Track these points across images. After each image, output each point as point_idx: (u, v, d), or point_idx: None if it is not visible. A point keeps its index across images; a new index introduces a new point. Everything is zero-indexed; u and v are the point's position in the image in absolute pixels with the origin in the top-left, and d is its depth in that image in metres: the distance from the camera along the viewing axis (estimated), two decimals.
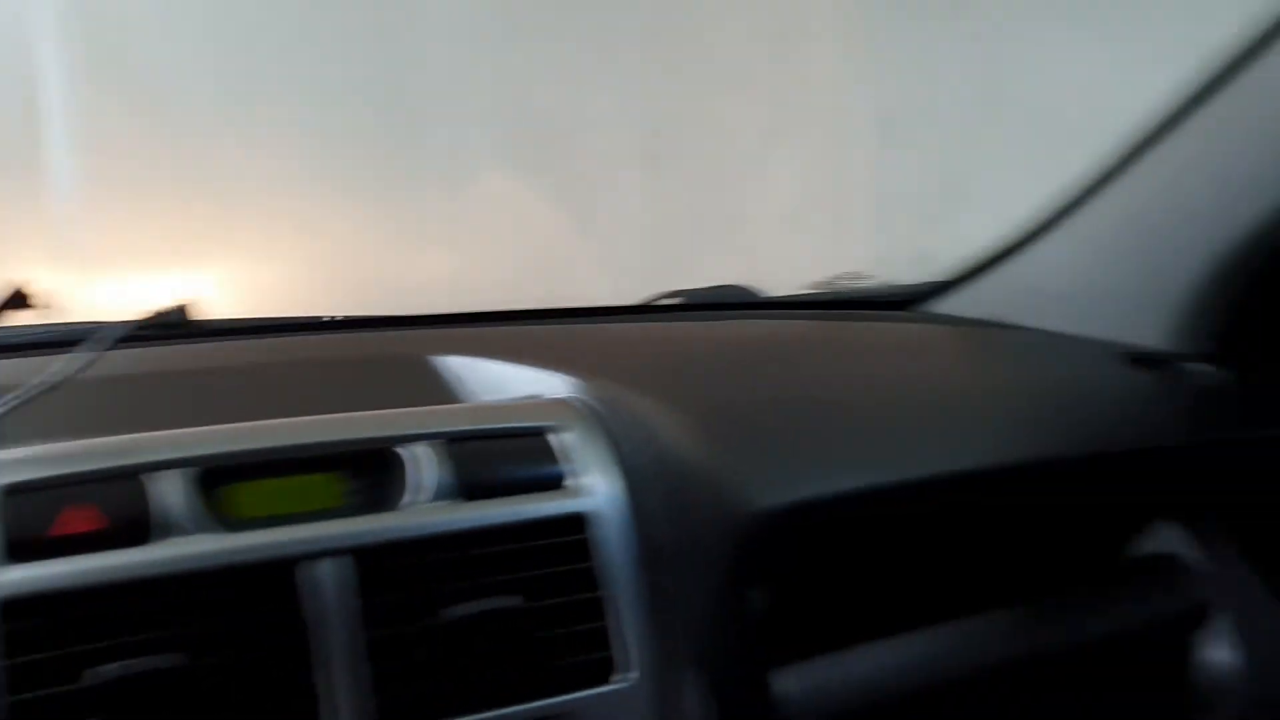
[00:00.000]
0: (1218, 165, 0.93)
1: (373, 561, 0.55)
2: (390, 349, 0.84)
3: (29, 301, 0.72)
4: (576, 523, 0.60)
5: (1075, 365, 0.96)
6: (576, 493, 0.61)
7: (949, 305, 1.17)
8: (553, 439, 0.63)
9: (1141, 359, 0.94)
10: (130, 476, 0.53)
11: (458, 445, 0.60)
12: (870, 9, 2.76)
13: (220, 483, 0.55)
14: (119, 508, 0.52)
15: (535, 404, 0.68)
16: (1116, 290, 1.01)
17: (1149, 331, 0.99)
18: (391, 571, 0.56)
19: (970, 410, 0.86)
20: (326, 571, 0.54)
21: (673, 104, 2.74)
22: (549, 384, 0.71)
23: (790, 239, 2.60)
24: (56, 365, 0.62)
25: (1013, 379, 0.96)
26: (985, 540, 0.80)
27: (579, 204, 2.70)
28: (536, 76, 2.76)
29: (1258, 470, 0.87)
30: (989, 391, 0.91)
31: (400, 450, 0.59)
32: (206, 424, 0.57)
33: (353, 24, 2.59)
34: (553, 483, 0.61)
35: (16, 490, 0.50)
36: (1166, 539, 0.83)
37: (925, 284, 1.19)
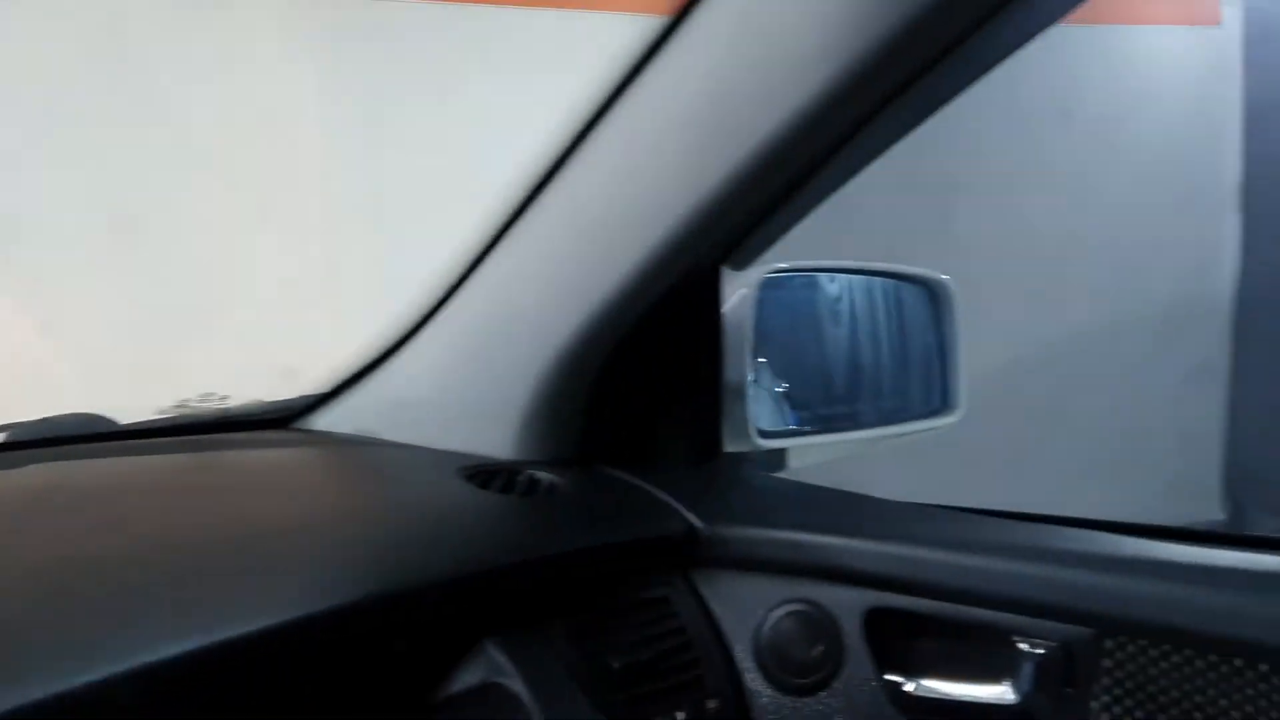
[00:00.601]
0: (545, 269, 0.93)
1: None
2: None
3: None
4: None
5: (422, 484, 0.92)
6: None
7: (328, 420, 1.10)
8: None
9: (483, 471, 0.92)
10: None
11: None
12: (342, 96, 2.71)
13: None
14: None
15: None
16: (471, 399, 0.99)
17: (502, 440, 0.97)
18: None
19: (308, 545, 0.78)
20: None
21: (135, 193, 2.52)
22: None
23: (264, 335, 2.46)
24: None
25: (361, 504, 0.90)
26: (294, 700, 0.72)
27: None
28: None
29: (590, 580, 0.87)
30: (331, 521, 0.84)
31: None
32: None
33: None
34: None
35: None
36: (494, 665, 0.79)
37: (303, 398, 1.12)
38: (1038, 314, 3.53)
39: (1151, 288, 3.62)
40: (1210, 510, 3.79)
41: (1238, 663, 0.74)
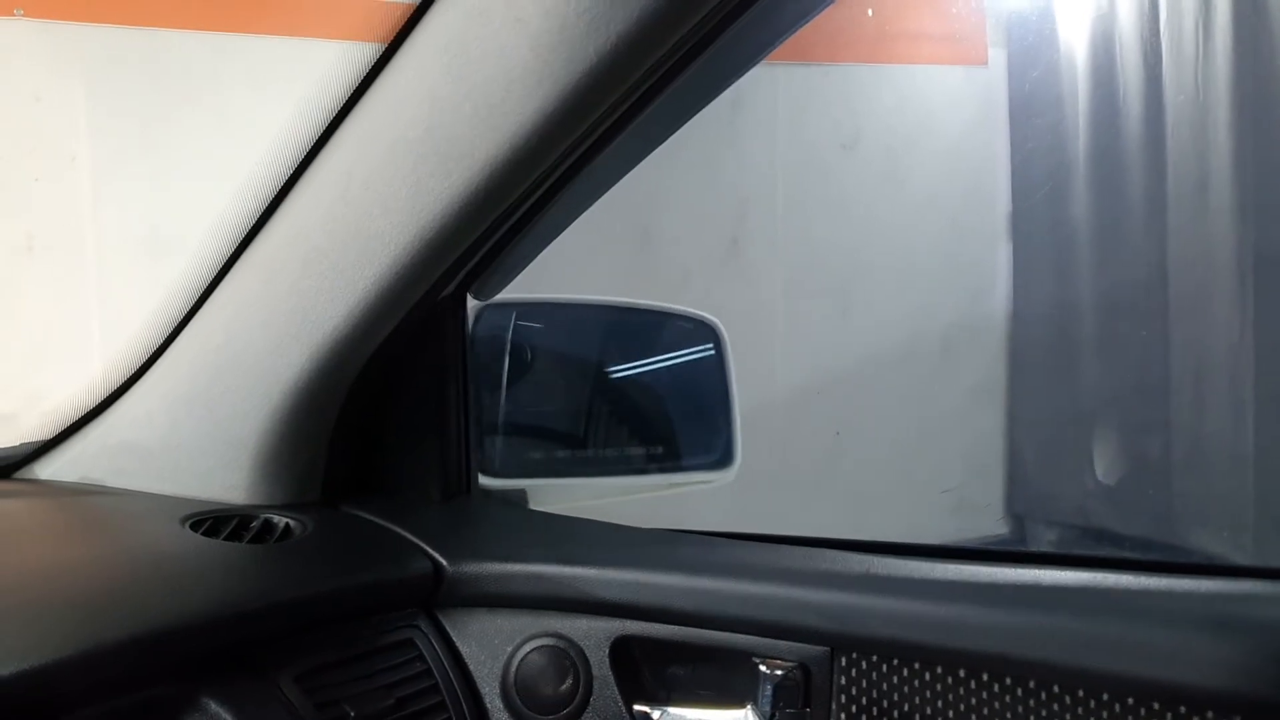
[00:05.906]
0: (270, 303, 0.88)
1: None
2: None
3: None
4: None
5: (141, 533, 0.86)
6: None
7: (53, 469, 1.02)
8: None
9: (210, 518, 0.87)
10: None
11: None
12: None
13: None
14: None
15: None
16: (199, 443, 0.94)
17: (235, 484, 0.92)
18: None
19: (4, 604, 0.71)
20: None
21: None
22: None
23: None
24: None
25: (71, 558, 0.83)
26: None
27: None
28: None
29: (326, 626, 0.82)
30: (37, 577, 0.77)
31: None
32: None
33: None
34: None
35: None
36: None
37: (24, 446, 1.04)
38: (825, 337, 3.65)
39: (933, 312, 3.79)
40: (994, 525, 3.98)
41: (961, 673, 0.76)
